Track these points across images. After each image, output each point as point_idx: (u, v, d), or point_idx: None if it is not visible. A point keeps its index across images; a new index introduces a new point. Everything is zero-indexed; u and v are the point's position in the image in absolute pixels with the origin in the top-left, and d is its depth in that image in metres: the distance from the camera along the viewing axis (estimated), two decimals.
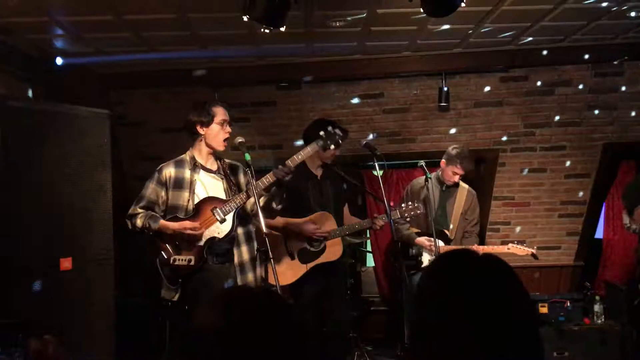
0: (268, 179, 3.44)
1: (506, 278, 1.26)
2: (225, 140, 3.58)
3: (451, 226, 4.85)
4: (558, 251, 5.93)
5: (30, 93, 4.66)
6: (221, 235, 3.51)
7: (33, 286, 3.64)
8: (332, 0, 3.99)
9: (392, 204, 4.75)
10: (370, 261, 6.50)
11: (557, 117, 5.55)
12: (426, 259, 4.75)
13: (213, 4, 3.90)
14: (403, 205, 4.32)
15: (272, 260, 3.17)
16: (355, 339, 5.30)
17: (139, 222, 3.48)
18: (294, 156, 3.51)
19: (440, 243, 4.59)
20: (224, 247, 3.57)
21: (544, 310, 5.13)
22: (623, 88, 5.45)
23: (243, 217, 3.66)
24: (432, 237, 4.45)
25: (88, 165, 4.00)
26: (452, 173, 4.79)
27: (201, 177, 3.60)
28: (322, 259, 4.21)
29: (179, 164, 3.60)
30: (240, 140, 3.51)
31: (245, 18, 3.40)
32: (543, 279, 5.92)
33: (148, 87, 5.60)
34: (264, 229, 3.20)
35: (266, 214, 3.49)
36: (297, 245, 4.17)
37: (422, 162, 4.59)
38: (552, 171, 5.73)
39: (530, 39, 4.98)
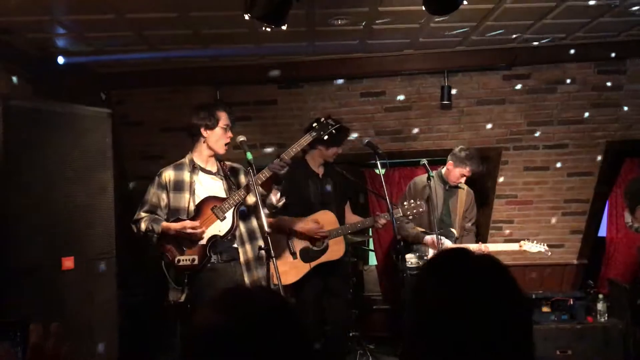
0: (264, 174, 3.47)
1: (500, 277, 1.26)
2: (226, 144, 3.65)
3: (456, 225, 4.84)
4: (561, 249, 5.91)
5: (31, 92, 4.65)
6: (222, 233, 3.54)
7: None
8: None
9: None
10: (372, 260, 6.50)
11: (560, 115, 5.53)
12: None
13: (214, 3, 3.89)
14: (405, 203, 4.31)
15: (274, 259, 3.17)
16: (357, 338, 5.31)
17: (142, 225, 3.54)
18: (289, 149, 3.55)
19: (448, 242, 4.58)
20: (227, 245, 3.59)
21: (546, 309, 5.13)
22: (626, 86, 5.43)
23: (246, 215, 3.67)
24: (436, 235, 4.43)
25: (89, 164, 3.99)
26: (460, 175, 4.75)
27: (200, 178, 3.63)
28: (325, 257, 4.21)
29: (178, 167, 3.65)
30: (241, 138, 3.52)
31: (246, 16, 3.39)
32: (546, 277, 5.92)
33: (149, 86, 5.60)
34: (266, 228, 3.21)
35: (266, 210, 3.51)
36: (299, 244, 4.17)
37: (424, 160, 4.57)
38: (555, 169, 5.71)
39: (533, 36, 4.96)
